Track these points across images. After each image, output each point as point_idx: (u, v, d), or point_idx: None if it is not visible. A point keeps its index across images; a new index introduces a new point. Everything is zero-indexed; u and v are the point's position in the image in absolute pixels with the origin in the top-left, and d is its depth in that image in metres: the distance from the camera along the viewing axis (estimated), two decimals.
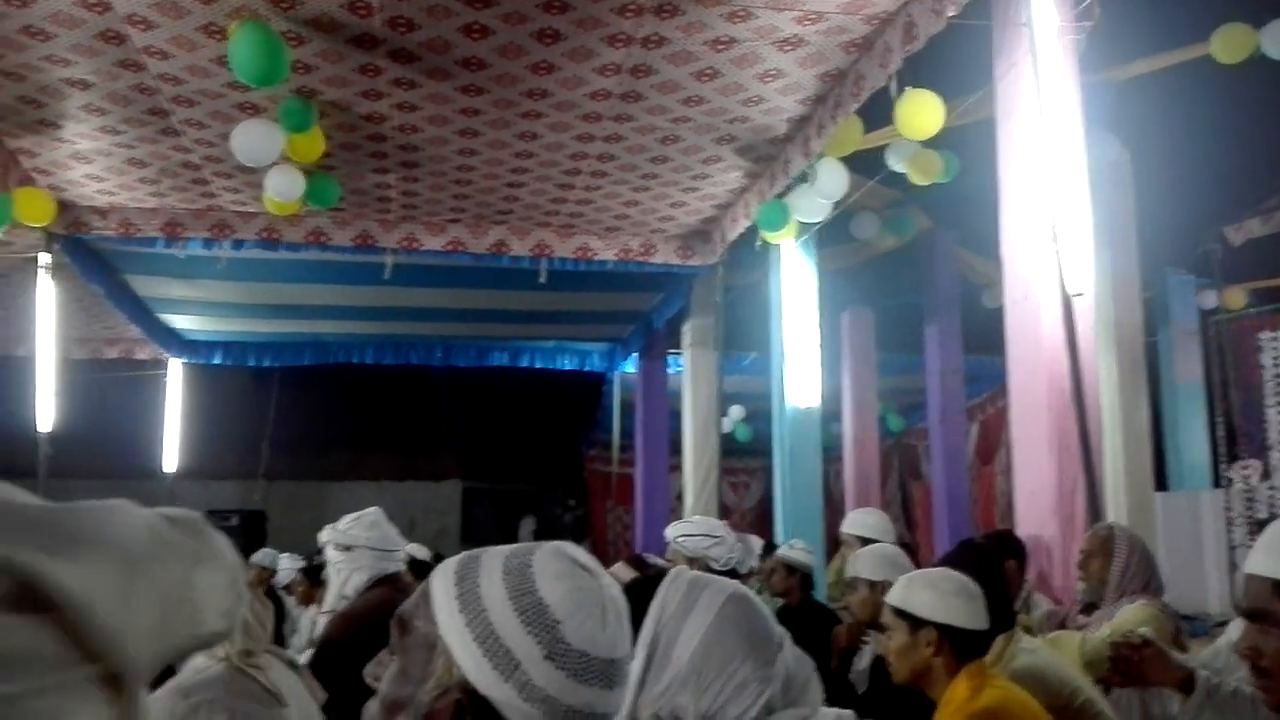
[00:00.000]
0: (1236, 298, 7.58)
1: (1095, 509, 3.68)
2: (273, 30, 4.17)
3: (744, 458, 12.79)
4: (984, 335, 5.97)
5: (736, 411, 11.12)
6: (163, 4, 4.23)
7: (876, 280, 8.08)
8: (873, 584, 3.46)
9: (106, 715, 0.54)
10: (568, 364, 10.16)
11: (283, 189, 5.27)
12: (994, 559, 3.56)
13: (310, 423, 13.38)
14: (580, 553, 1.11)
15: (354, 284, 7.73)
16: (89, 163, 5.86)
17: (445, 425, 14.98)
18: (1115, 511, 4.81)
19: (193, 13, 4.28)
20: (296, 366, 10.02)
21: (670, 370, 9.21)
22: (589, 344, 9.98)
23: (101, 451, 10.08)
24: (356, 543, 3.36)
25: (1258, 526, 5.40)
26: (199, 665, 2.05)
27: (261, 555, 7.67)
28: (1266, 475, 5.61)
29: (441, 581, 1.07)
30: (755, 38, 4.59)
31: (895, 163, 5.35)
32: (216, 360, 9.55)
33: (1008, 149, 4.00)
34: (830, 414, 7.75)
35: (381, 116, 5.31)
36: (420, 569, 6.23)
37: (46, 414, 6.67)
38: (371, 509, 3.51)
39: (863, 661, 3.83)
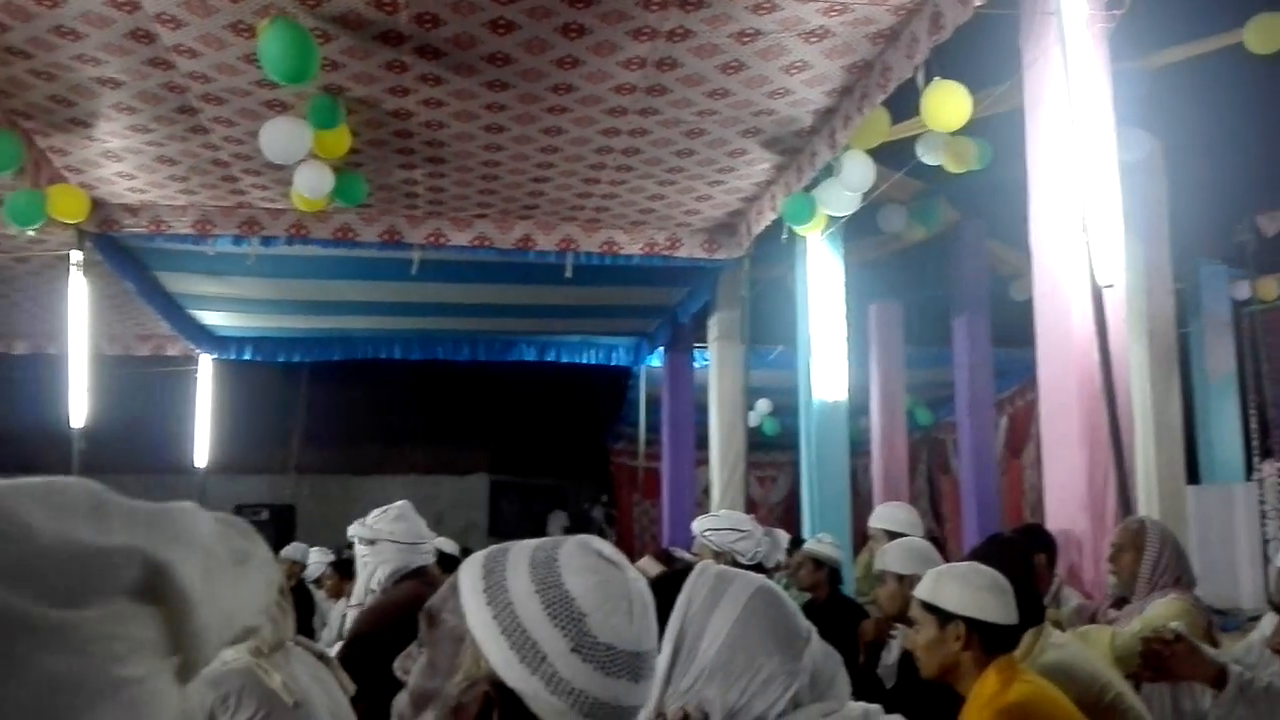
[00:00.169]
0: (1270, 288, 7.49)
1: (1126, 502, 3.65)
2: (302, 27, 4.19)
3: (771, 452, 12.76)
4: (1013, 328, 5.93)
5: (763, 405, 11.09)
6: (191, 2, 4.26)
7: (904, 273, 8.03)
8: (901, 578, 3.45)
9: (181, 705, 0.57)
10: (593, 358, 10.18)
11: (312, 185, 5.31)
12: (1023, 553, 3.53)
13: (339, 417, 13.49)
14: (606, 546, 1.11)
15: (382, 280, 7.77)
16: (120, 161, 5.92)
17: (472, 420, 15.05)
18: (1146, 505, 4.77)
19: (221, 10, 4.31)
20: (325, 362, 10.10)
21: (696, 364, 9.21)
22: (615, 338, 9.99)
23: (133, 447, 10.20)
24: (380, 536, 3.39)
25: None
26: (226, 657, 2.09)
27: (291, 549, 7.74)
28: None
29: (469, 575, 1.08)
30: (781, 29, 4.57)
31: (928, 155, 5.31)
32: (246, 356, 9.64)
33: (1036, 139, 3.97)
34: (858, 408, 7.72)
35: (408, 113, 5.33)
36: (448, 563, 6.26)
37: (79, 410, 6.75)
38: (400, 502, 3.53)
39: (891, 656, 3.82)
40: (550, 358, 10.15)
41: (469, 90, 5.09)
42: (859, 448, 9.01)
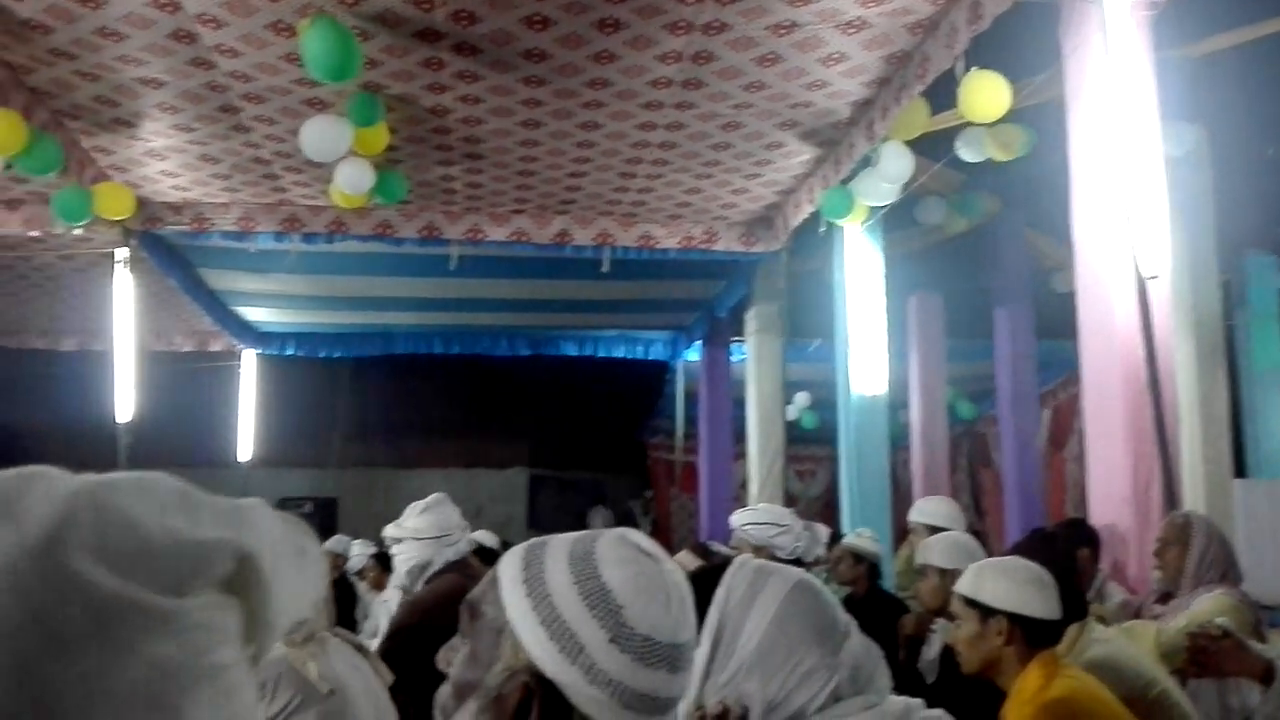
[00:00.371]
0: None
1: (1171, 497, 3.60)
2: (344, 25, 4.23)
3: (810, 446, 12.72)
4: (1056, 320, 5.86)
5: (802, 398, 11.05)
6: (232, 3, 4.31)
7: (944, 264, 7.96)
8: (943, 572, 3.43)
9: (255, 692, 0.60)
10: (631, 353, 10.19)
11: (353, 182, 5.36)
12: (1066, 548, 3.50)
13: (380, 412, 13.60)
14: (644, 539, 1.12)
15: (420, 276, 7.83)
16: (163, 159, 6.00)
17: (511, 414, 15.12)
18: (1192, 499, 4.70)
19: (261, 10, 4.36)
20: (366, 357, 10.20)
21: (734, 358, 9.19)
22: (652, 332, 9.99)
23: (178, 441, 10.34)
24: (404, 535, 3.45)
25: None
26: None
27: (334, 542, 7.82)
28: None
29: (508, 567, 1.09)
30: (817, 21, 4.55)
31: (969, 152, 5.25)
32: (289, 351, 9.76)
33: (1078, 129, 3.91)
34: (898, 401, 7.67)
35: (446, 109, 5.36)
36: (488, 556, 6.30)
37: (125, 405, 6.86)
38: (432, 495, 3.57)
39: (932, 650, 3.79)
40: (588, 352, 10.17)
41: (506, 86, 5.11)
42: (899, 441, 8.96)
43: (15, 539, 0.51)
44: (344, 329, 9.58)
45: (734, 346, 9.12)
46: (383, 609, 5.95)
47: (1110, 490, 3.75)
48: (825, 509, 12.72)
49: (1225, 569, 3.23)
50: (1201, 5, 4.41)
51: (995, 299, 7.53)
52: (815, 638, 1.44)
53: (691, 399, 10.14)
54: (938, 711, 1.48)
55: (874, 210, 6.09)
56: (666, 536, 12.96)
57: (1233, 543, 3.42)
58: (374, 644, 3.37)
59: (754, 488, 7.60)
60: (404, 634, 3.29)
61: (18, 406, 13.57)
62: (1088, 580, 3.61)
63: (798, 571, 1.56)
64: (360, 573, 7.59)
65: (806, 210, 6.56)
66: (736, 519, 4.25)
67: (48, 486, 0.55)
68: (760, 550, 3.88)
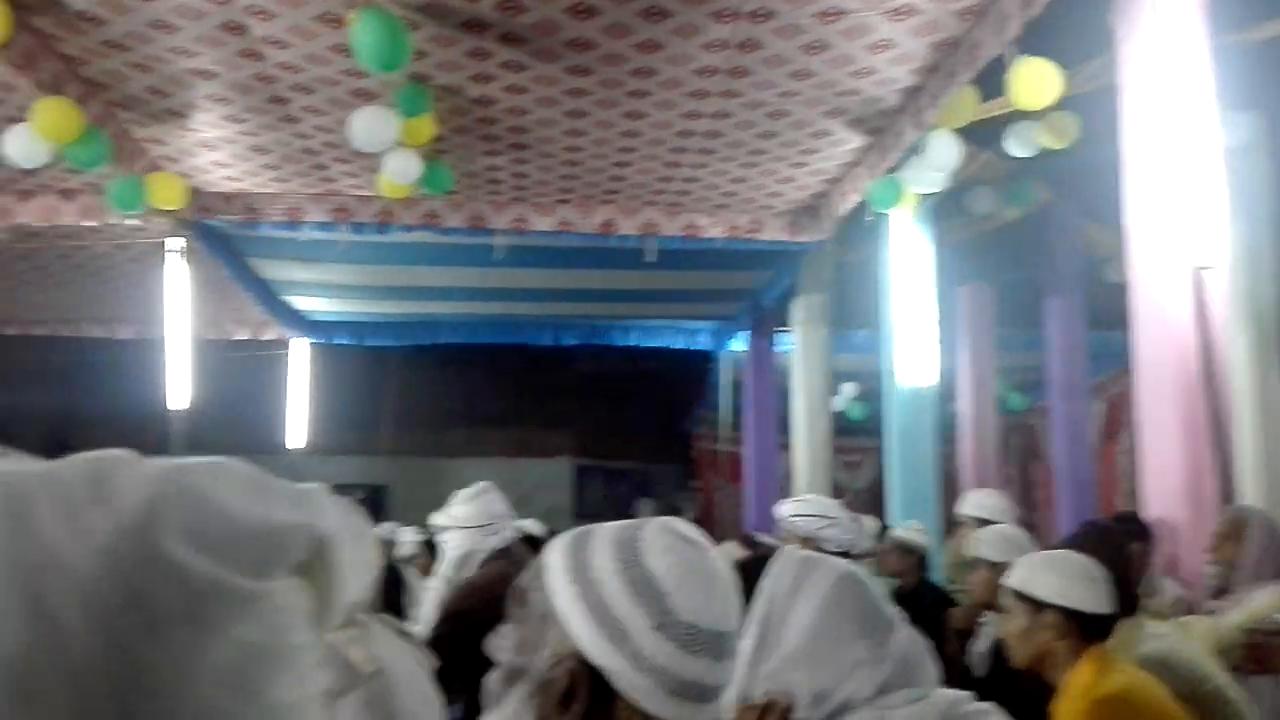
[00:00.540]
0: None
1: (1227, 491, 3.53)
2: (393, 15, 4.26)
3: (857, 437, 12.63)
4: (1108, 310, 5.76)
5: (849, 389, 10.99)
6: None
7: (995, 254, 7.86)
8: (993, 565, 3.40)
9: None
10: (676, 343, 10.19)
11: (401, 172, 5.41)
12: (1119, 541, 3.45)
13: (427, 401, 13.74)
14: (688, 528, 1.12)
15: (466, 265, 7.88)
16: (214, 150, 6.09)
17: (556, 404, 15.20)
18: (1248, 493, 4.61)
19: (310, 2, 4.40)
20: (414, 346, 10.29)
21: (779, 348, 9.14)
22: (697, 322, 9.98)
23: (232, 428, 10.51)
24: (450, 523, 3.50)
25: None
26: None
27: (383, 529, 7.91)
28: None
29: (555, 555, 1.10)
30: (865, 8, 4.50)
31: (1018, 146, 5.18)
32: (338, 340, 9.87)
33: (1132, 117, 3.84)
34: (947, 392, 7.60)
35: (492, 100, 5.38)
36: (535, 544, 6.33)
37: (179, 393, 6.98)
38: (478, 483, 3.60)
39: (981, 644, 3.76)
40: (633, 342, 10.18)
41: (551, 76, 5.12)
42: (948, 433, 8.87)
43: (111, 521, 0.52)
44: (392, 318, 9.67)
45: (779, 337, 9.08)
46: (428, 596, 6.01)
47: (1164, 483, 3.69)
48: (872, 501, 12.64)
49: None
50: None
51: (1046, 289, 7.42)
52: (861, 629, 1.43)
53: (736, 389, 10.12)
54: (987, 705, 1.47)
55: (922, 199, 6.03)
56: (712, 527, 12.96)
57: None
58: (421, 630, 3.41)
59: (800, 479, 7.57)
60: (451, 620, 3.33)
61: (75, 394, 13.87)
62: (1141, 575, 3.56)
63: (844, 563, 1.56)
64: (409, 559, 7.67)
65: (853, 199, 6.51)
66: (783, 510, 4.20)
67: (134, 470, 0.56)
68: (807, 542, 3.85)
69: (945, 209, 6.51)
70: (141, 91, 5.27)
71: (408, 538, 7.80)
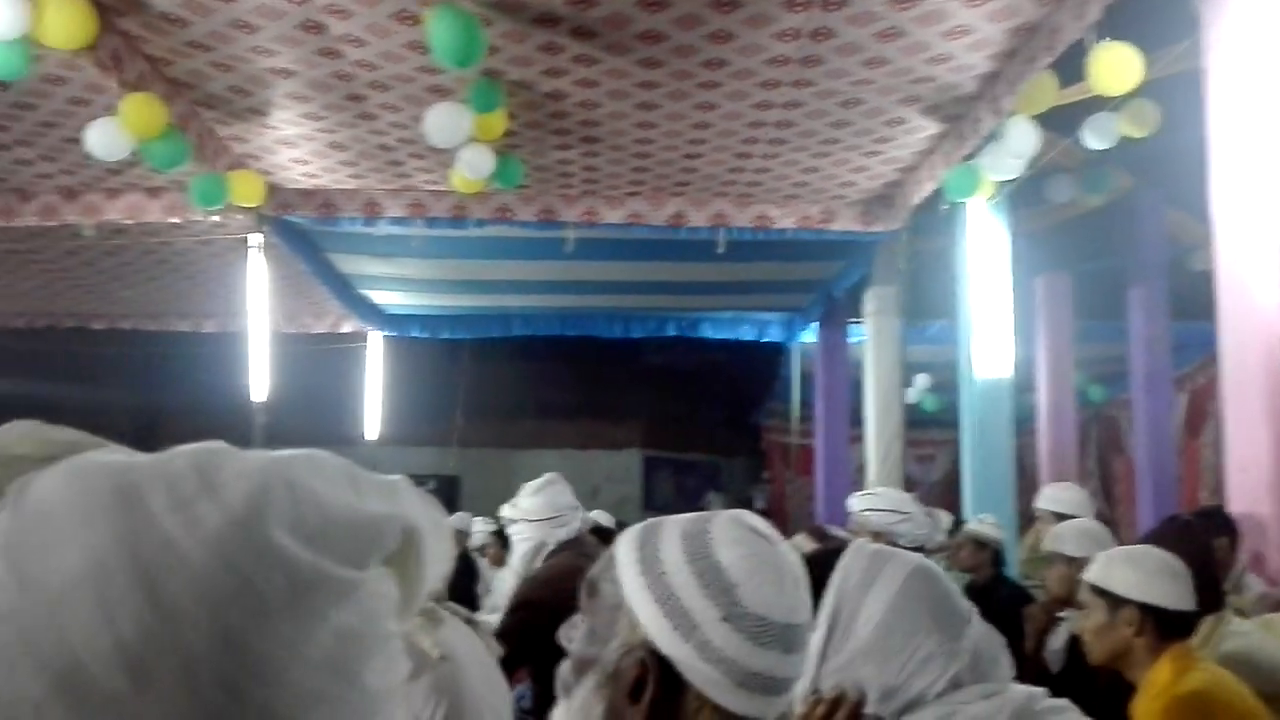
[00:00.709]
0: None
1: None
2: (468, 11, 4.31)
3: (930, 429, 12.48)
4: (1192, 300, 5.62)
5: (922, 380, 10.85)
6: None
7: (1074, 243, 7.70)
8: (1071, 560, 3.34)
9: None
10: (746, 334, 10.15)
11: (475, 167, 5.47)
12: (1202, 537, 3.36)
13: (499, 393, 13.89)
14: (758, 520, 1.12)
15: (538, 259, 7.94)
16: (294, 147, 6.22)
17: (626, 396, 15.25)
18: None
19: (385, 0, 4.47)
20: (486, 339, 10.41)
21: (851, 339, 9.06)
22: (767, 314, 9.93)
23: (310, 419, 10.74)
24: (518, 516, 3.54)
25: None
26: None
27: (455, 519, 8.03)
28: None
29: (625, 546, 1.11)
30: None
31: (1096, 139, 5.06)
32: (413, 333, 10.03)
33: (1218, 102, 3.73)
34: (1024, 384, 7.47)
35: (563, 94, 5.41)
36: (605, 535, 6.38)
37: (260, 385, 7.15)
38: (546, 475, 3.63)
39: (1058, 640, 3.69)
40: (703, 334, 10.17)
41: (622, 69, 5.13)
42: (1025, 425, 8.71)
43: (221, 512, 0.54)
44: (465, 311, 9.79)
45: (851, 328, 9.00)
46: (500, 587, 6.09)
47: (1250, 478, 3.59)
48: (946, 494, 12.48)
49: None
50: None
51: (1128, 278, 7.25)
52: (933, 623, 1.42)
53: (807, 381, 10.05)
54: (1062, 701, 1.45)
55: (1000, 187, 5.92)
56: (782, 520, 12.91)
57: None
58: (493, 619, 3.45)
59: (872, 471, 7.50)
60: (519, 610, 3.37)
61: (160, 386, 14.30)
62: (1225, 571, 3.47)
63: (916, 556, 1.54)
64: (481, 549, 7.78)
65: (929, 188, 6.41)
66: (856, 504, 4.16)
67: (237, 462, 0.58)
68: (880, 537, 3.81)
69: (1022, 197, 6.39)
70: (223, 90, 5.39)
71: (478, 528, 7.92)
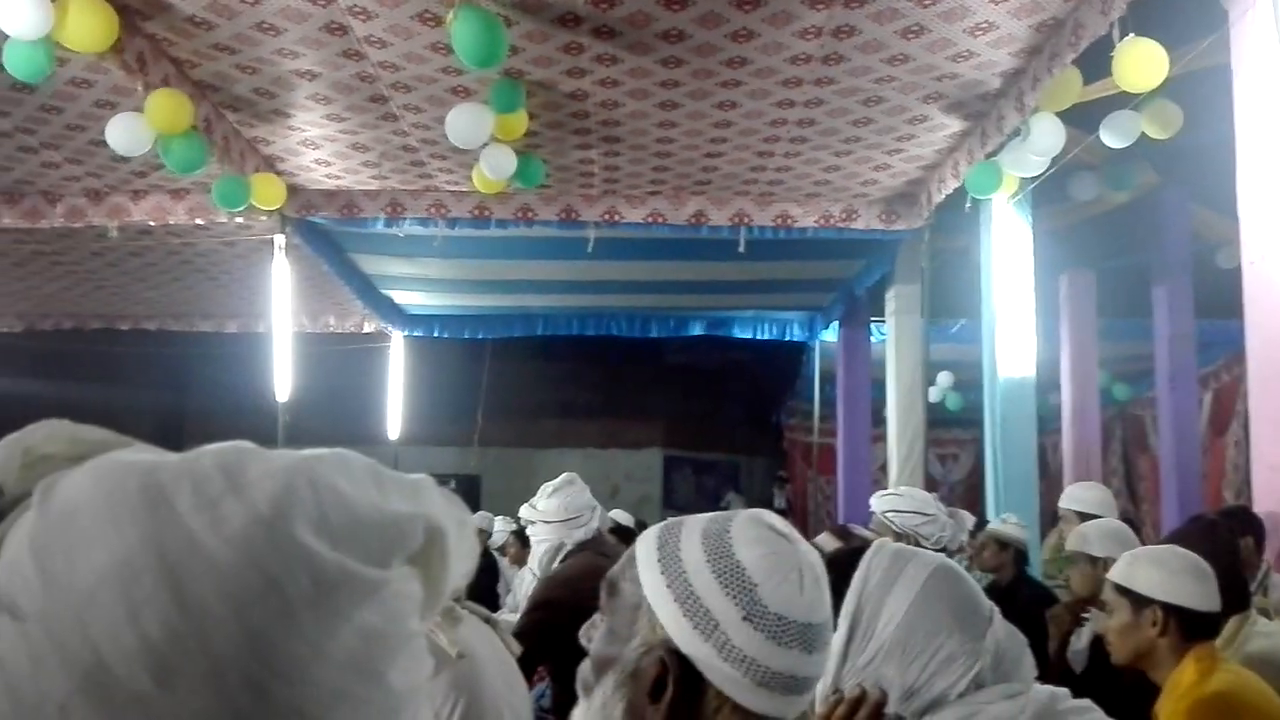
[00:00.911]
0: None
1: None
2: (490, 12, 4.32)
3: (952, 428, 12.44)
4: (1218, 297, 5.56)
5: (944, 379, 10.81)
6: None
7: (1098, 240, 7.65)
8: (1095, 560, 3.32)
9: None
10: (767, 333, 10.13)
11: (497, 167, 5.49)
12: (1228, 536, 3.33)
13: (519, 393, 13.93)
14: (777, 520, 1.12)
15: (559, 259, 7.95)
16: (317, 149, 6.25)
17: (646, 395, 15.26)
18: None
19: (408, 1, 4.48)
20: (506, 339, 10.44)
21: (873, 338, 9.04)
22: (788, 313, 9.91)
23: (333, 419, 10.81)
24: (536, 517, 3.55)
25: None
26: None
27: (477, 518, 8.06)
28: None
29: (645, 545, 1.11)
30: None
31: (1114, 138, 5.02)
32: (435, 333, 10.07)
33: (1245, 97, 3.70)
34: (1047, 383, 7.42)
35: (584, 94, 5.42)
36: (625, 534, 6.39)
37: (283, 385, 7.20)
38: (562, 476, 3.64)
39: (1081, 640, 3.67)
40: (723, 333, 10.17)
41: (644, 68, 5.13)
42: (1048, 424, 8.67)
43: (247, 511, 0.55)
44: (487, 311, 9.82)
45: (873, 326, 8.97)
46: (520, 587, 6.11)
47: (1276, 477, 3.56)
48: (969, 493, 12.42)
49: None
50: None
51: (1153, 276, 7.20)
52: (956, 623, 1.42)
53: (828, 380, 10.03)
54: (1085, 701, 1.45)
55: (1023, 184, 5.89)
56: (803, 519, 12.89)
57: None
58: (512, 619, 3.47)
59: (894, 471, 7.47)
60: (538, 610, 3.38)
61: (184, 387, 14.42)
62: (1251, 571, 3.44)
63: (937, 556, 1.54)
64: (502, 548, 7.81)
65: (951, 185, 6.38)
66: (879, 504, 4.13)
67: (263, 461, 0.58)
68: (904, 538, 3.79)
69: (1045, 194, 6.34)
70: (248, 93, 5.43)
71: (500, 527, 7.95)
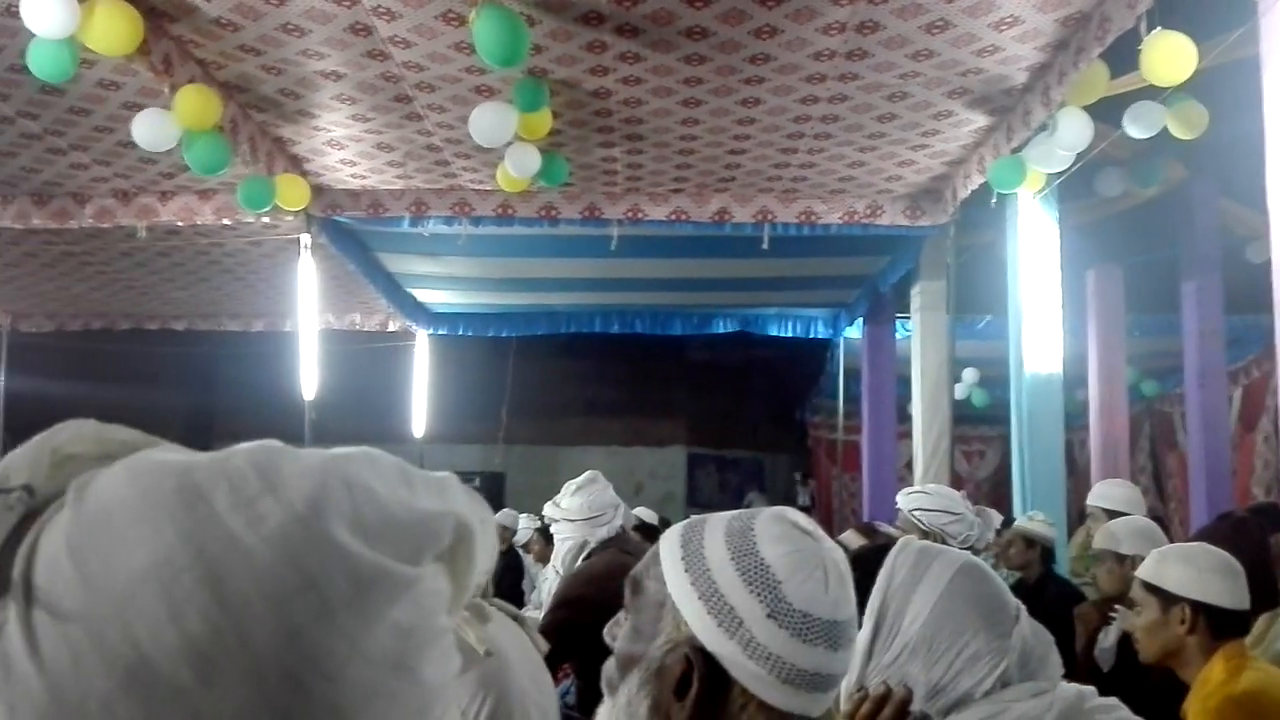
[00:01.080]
0: None
1: None
2: (513, 11, 4.33)
3: (978, 425, 12.36)
4: (1248, 292, 5.51)
5: (970, 375, 10.75)
6: None
7: (1125, 235, 7.58)
8: (1122, 557, 3.30)
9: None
10: (791, 330, 10.11)
11: (519, 165, 5.50)
12: (1258, 533, 3.30)
13: (543, 390, 13.94)
14: (801, 517, 1.12)
15: (582, 257, 7.96)
16: (342, 149, 6.29)
17: (670, 392, 15.25)
18: None
19: (433, 1, 4.50)
20: (530, 337, 10.47)
21: (898, 335, 9.00)
22: (813, 310, 9.88)
23: (358, 417, 10.86)
24: (559, 515, 3.55)
25: None
26: None
27: (501, 515, 8.10)
28: None
29: (669, 543, 1.11)
30: None
31: (1136, 128, 4.98)
32: (460, 331, 10.11)
33: (1274, 89, 3.65)
34: (1074, 379, 7.37)
35: (608, 92, 5.42)
36: (649, 532, 6.40)
37: (310, 383, 7.25)
38: (586, 474, 3.64)
39: (1109, 638, 3.65)
40: (748, 330, 10.15)
41: (667, 66, 5.13)
42: (1075, 421, 8.61)
43: (283, 510, 0.55)
44: (510, 309, 9.85)
45: (898, 323, 8.93)
46: (544, 584, 6.13)
47: None
48: (994, 490, 12.36)
49: None
50: None
51: (1182, 271, 7.13)
52: (982, 621, 1.41)
53: (853, 377, 10.00)
54: (1112, 700, 1.44)
55: (1049, 179, 5.84)
56: (828, 516, 12.85)
57: None
58: (537, 615, 3.48)
59: (919, 468, 7.44)
60: (563, 607, 3.39)
61: (211, 386, 14.54)
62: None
63: (963, 554, 1.54)
64: (526, 545, 7.83)
65: (976, 181, 6.34)
66: (906, 502, 4.10)
67: (295, 460, 0.59)
68: (930, 536, 3.77)
69: (1072, 189, 6.29)
70: (274, 94, 5.47)
71: (524, 524, 7.97)
